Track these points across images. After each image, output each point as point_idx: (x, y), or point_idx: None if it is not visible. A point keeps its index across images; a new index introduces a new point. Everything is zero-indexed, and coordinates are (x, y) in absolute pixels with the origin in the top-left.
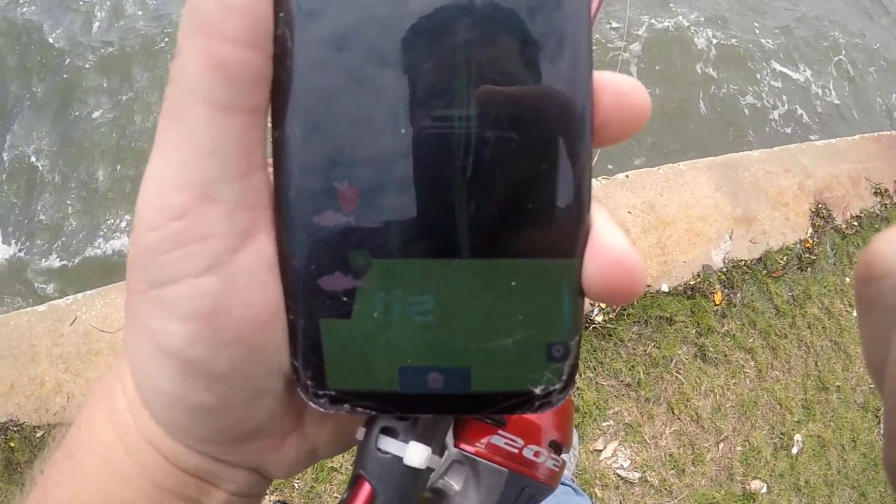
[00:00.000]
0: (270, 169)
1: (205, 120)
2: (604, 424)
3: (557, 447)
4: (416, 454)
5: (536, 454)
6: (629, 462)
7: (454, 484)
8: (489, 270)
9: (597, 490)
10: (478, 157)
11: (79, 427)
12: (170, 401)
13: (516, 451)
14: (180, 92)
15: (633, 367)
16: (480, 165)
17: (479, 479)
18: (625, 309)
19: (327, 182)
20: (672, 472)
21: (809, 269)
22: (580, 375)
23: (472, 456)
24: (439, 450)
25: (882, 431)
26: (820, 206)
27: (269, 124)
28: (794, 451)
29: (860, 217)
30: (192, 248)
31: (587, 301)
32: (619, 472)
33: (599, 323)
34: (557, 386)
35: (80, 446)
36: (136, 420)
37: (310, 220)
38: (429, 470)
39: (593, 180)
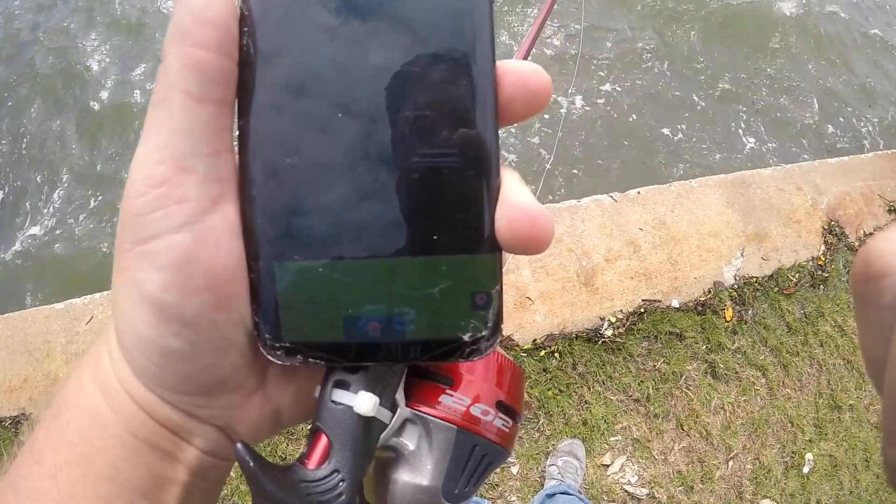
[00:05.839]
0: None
1: (182, 107)
2: (612, 439)
3: (507, 409)
4: (364, 402)
5: (484, 412)
6: (637, 478)
7: (408, 443)
8: (416, 231)
9: None
10: (401, 139)
11: (66, 389)
12: (146, 345)
13: (464, 408)
14: (164, 86)
15: (642, 382)
16: (402, 145)
17: (430, 437)
18: (635, 324)
19: (280, 161)
20: (680, 488)
21: (822, 286)
22: (589, 389)
23: (423, 414)
24: (390, 405)
25: (881, 431)
26: (833, 223)
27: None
28: (806, 470)
29: (873, 235)
30: (171, 209)
31: (598, 316)
32: (626, 487)
33: (609, 337)
34: (484, 333)
35: (68, 404)
36: (118, 375)
37: (265, 193)
38: (380, 422)
39: (606, 196)
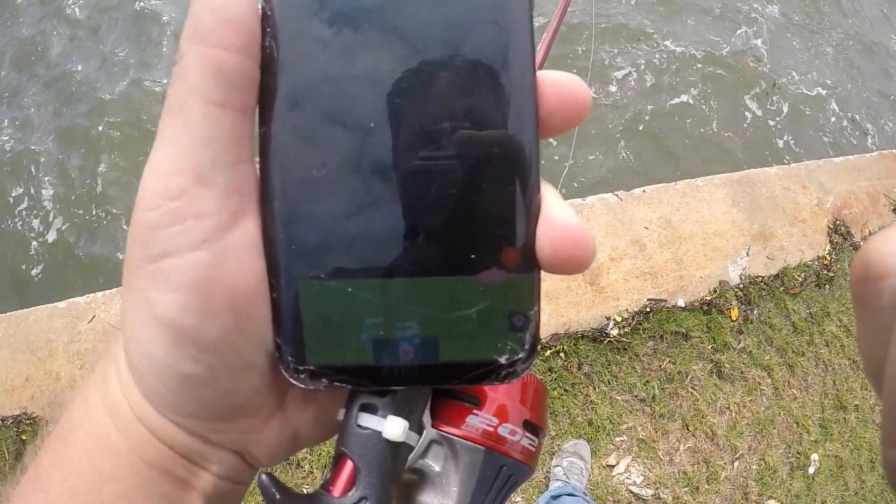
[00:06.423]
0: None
1: (201, 114)
2: (617, 439)
3: (533, 428)
4: (394, 427)
5: (512, 432)
6: (642, 478)
7: (434, 465)
8: (453, 249)
9: None
10: (438, 151)
11: (73, 411)
12: (160, 370)
13: (492, 429)
14: (181, 90)
15: (647, 381)
16: (439, 158)
17: (457, 459)
18: (640, 323)
19: (305, 172)
20: (686, 489)
21: (828, 286)
22: (594, 389)
23: (450, 435)
24: (417, 427)
25: (881, 432)
26: (838, 222)
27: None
28: (811, 470)
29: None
30: (189, 224)
31: (603, 316)
32: (631, 488)
33: (614, 337)
34: (521, 355)
35: (75, 428)
36: (128, 399)
37: (289, 207)
38: (408, 446)
39: (612, 194)
